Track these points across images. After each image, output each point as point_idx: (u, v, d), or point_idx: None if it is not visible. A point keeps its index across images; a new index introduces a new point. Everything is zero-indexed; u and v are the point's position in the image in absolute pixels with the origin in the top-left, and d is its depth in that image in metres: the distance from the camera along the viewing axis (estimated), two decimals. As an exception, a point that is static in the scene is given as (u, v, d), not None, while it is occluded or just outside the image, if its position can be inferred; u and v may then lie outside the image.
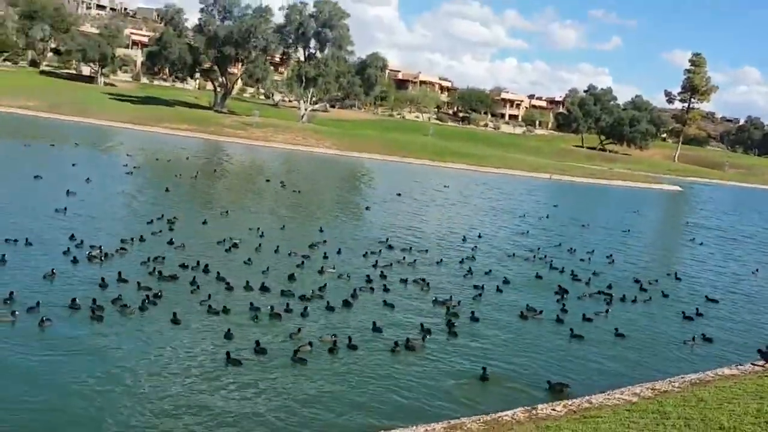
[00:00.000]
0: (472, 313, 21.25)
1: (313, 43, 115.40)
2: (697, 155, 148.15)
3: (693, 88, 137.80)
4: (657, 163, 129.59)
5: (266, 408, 13.67)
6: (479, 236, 36.28)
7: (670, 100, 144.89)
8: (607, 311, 23.14)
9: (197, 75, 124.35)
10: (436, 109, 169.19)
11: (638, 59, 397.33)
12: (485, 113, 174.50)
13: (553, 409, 13.36)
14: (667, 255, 39.91)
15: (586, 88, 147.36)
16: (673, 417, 11.61)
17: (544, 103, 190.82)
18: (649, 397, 14.08)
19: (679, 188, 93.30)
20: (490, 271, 27.95)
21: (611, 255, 34.22)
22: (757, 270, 34.88)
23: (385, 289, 23.21)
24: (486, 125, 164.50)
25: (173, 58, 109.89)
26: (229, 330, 17.32)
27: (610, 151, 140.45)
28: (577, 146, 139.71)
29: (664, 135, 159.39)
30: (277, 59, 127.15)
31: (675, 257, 39.55)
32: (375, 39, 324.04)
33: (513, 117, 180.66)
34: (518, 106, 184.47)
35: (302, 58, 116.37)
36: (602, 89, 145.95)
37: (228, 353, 15.85)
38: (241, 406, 13.64)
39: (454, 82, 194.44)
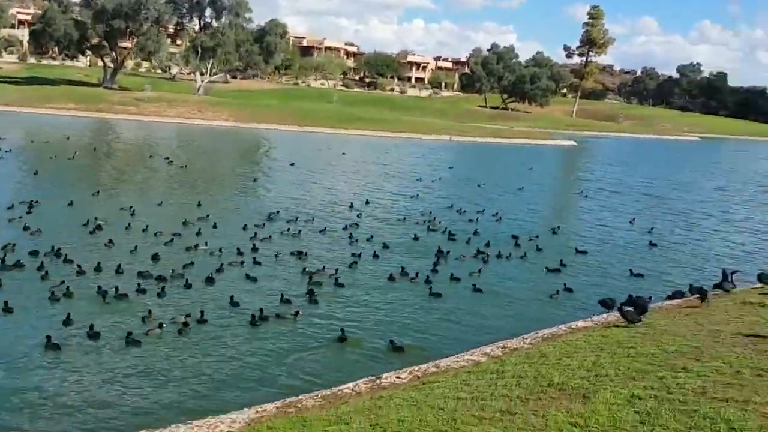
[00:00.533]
0: (336, 280, 20.89)
1: (208, 11, 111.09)
2: (594, 109, 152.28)
3: (591, 42, 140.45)
4: (557, 119, 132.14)
5: (83, 392, 13.14)
6: (366, 202, 35.86)
7: (569, 55, 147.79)
8: (479, 270, 23.11)
9: (88, 52, 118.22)
10: (342, 76, 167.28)
11: (541, 15, 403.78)
12: (392, 77, 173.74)
13: (398, 377, 12.99)
14: (553, 210, 40.60)
15: (489, 47, 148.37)
16: (508, 376, 11.40)
17: (450, 65, 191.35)
18: (497, 356, 13.90)
19: (574, 143, 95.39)
20: (372, 237, 27.62)
21: (497, 213, 34.45)
22: (633, 219, 35.77)
23: (256, 263, 22.51)
24: (392, 89, 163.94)
25: (58, 35, 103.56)
26: (69, 315, 16.27)
27: (512, 110, 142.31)
28: (481, 106, 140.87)
29: (564, 90, 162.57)
30: (172, 30, 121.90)
31: (561, 212, 40.28)
32: (277, 5, 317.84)
33: (419, 80, 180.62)
34: (424, 68, 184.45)
35: (198, 28, 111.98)
36: (505, 47, 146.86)
37: (48, 337, 14.94)
38: (59, 391, 13.08)
39: (362, 47, 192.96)
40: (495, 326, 18.03)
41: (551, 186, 51.76)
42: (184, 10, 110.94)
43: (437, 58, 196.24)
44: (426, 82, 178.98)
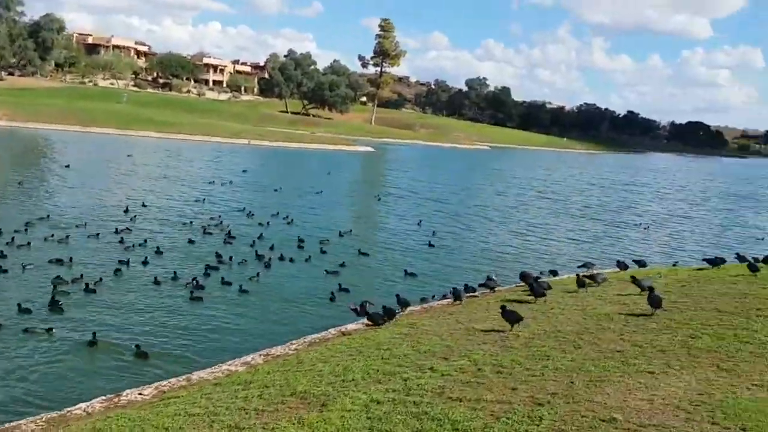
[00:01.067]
0: (87, 286, 19.24)
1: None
2: (392, 117, 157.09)
3: (384, 53, 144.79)
4: (356, 126, 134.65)
5: None
6: (143, 205, 33.78)
7: (364, 65, 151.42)
8: (258, 275, 22.26)
9: None
10: (133, 76, 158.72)
11: (339, 25, 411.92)
12: (188, 79, 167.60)
13: (140, 393, 11.75)
14: (348, 214, 40.64)
15: (286, 53, 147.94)
16: (255, 386, 10.63)
17: (249, 69, 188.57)
18: (257, 365, 13.11)
19: (372, 149, 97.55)
20: (146, 241, 25.92)
21: (288, 216, 33.99)
22: (420, 222, 36.71)
23: (2, 271, 20.13)
24: (189, 92, 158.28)
25: None
26: None
27: (313, 116, 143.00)
28: (282, 112, 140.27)
29: (364, 99, 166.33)
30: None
31: (354, 216, 40.43)
32: (60, 1, 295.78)
33: (217, 83, 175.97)
34: (222, 71, 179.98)
35: None
36: (302, 54, 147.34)
37: None
38: None
39: (155, 48, 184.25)
40: (267, 331, 17.27)
41: (348, 190, 52.12)
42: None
43: (235, 62, 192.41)
44: (225, 85, 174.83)
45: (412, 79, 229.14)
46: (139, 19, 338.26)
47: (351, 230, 32.07)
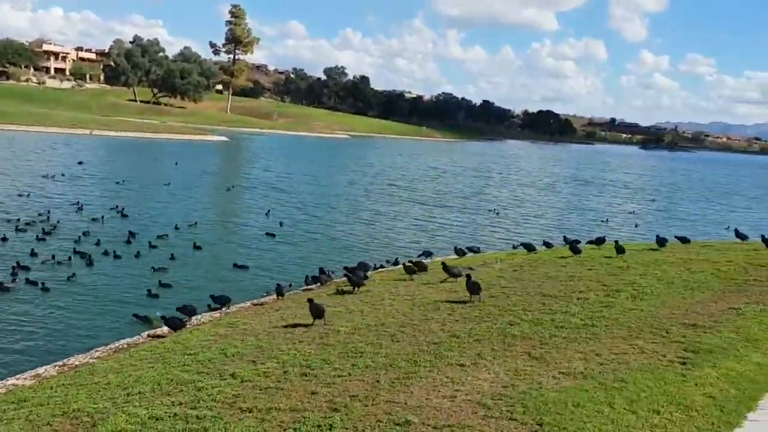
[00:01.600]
0: None
1: None
2: (250, 106, 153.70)
3: (236, 40, 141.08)
4: (211, 116, 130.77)
5: None
6: None
7: (216, 52, 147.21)
8: (73, 274, 20.38)
9: None
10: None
11: (190, 10, 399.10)
12: (27, 67, 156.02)
13: None
14: (194, 205, 38.68)
15: (131, 39, 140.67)
16: (28, 405, 9.21)
17: (93, 56, 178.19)
18: (49, 377, 11.60)
19: (227, 139, 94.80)
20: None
21: (123, 209, 31.93)
22: (268, 212, 35.74)
23: None
24: (28, 80, 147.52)
25: None
26: None
27: (165, 104, 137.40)
28: (131, 100, 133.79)
29: (220, 87, 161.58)
30: None
31: (201, 207, 38.52)
32: None
33: (60, 70, 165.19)
34: (64, 58, 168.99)
35: None
36: (149, 40, 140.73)
37: None
38: None
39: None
40: (73, 337, 15.64)
41: (198, 182, 49.84)
42: None
43: (79, 49, 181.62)
44: (67, 73, 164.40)
45: (270, 68, 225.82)
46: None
47: (196, 223, 30.52)
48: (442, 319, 12.00)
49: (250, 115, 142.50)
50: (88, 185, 40.97)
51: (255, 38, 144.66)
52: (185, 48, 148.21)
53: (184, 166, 56.07)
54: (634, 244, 22.54)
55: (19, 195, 34.66)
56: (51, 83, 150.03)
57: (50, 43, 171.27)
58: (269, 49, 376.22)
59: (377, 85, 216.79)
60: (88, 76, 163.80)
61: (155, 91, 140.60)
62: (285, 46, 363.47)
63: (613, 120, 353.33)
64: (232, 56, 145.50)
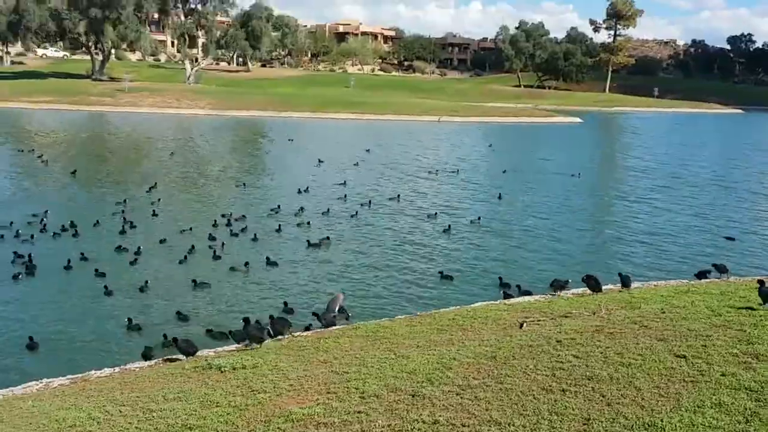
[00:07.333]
0: None
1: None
2: (632, 84, 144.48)
3: (617, 14, 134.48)
4: (587, 97, 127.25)
5: None
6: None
7: (596, 29, 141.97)
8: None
9: (60, 43, 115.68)
10: (380, 60, 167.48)
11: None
12: (433, 61, 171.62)
13: None
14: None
15: (517, 25, 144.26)
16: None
17: (492, 45, 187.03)
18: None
19: (580, 120, 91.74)
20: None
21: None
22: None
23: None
24: (432, 72, 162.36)
25: (34, 26, 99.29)
26: None
27: (549, 88, 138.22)
28: (516, 86, 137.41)
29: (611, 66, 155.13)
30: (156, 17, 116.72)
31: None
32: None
33: (462, 61, 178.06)
34: (465, 50, 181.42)
35: (182, 15, 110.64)
36: (533, 24, 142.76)
37: None
38: None
39: (418, 33, 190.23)
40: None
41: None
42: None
43: (483, 40, 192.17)
44: (469, 63, 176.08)
45: (680, 42, 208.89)
46: (404, 6, 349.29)
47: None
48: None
49: (634, 94, 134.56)
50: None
51: (637, 10, 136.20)
52: (571, 29, 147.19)
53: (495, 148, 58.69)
54: None
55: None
56: (451, 74, 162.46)
57: (454, 36, 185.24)
58: (682, 22, 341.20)
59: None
60: (487, 65, 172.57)
61: (540, 75, 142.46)
62: (698, 19, 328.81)
63: None
64: (612, 32, 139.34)
